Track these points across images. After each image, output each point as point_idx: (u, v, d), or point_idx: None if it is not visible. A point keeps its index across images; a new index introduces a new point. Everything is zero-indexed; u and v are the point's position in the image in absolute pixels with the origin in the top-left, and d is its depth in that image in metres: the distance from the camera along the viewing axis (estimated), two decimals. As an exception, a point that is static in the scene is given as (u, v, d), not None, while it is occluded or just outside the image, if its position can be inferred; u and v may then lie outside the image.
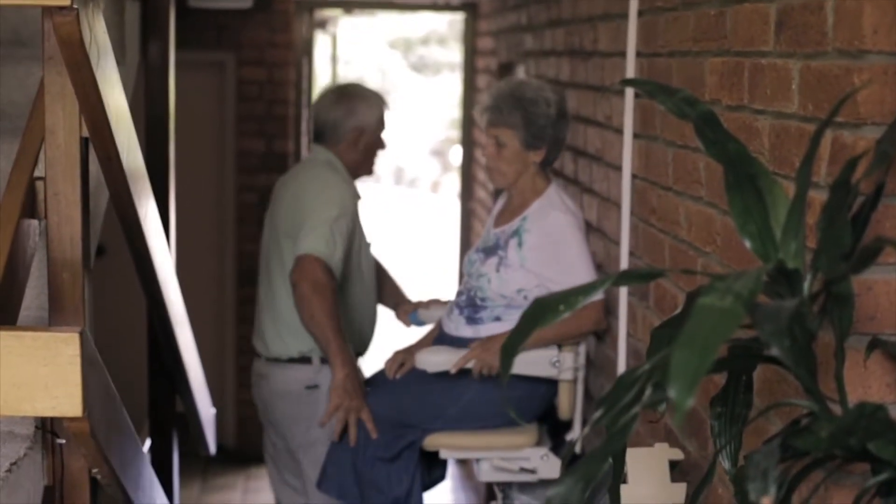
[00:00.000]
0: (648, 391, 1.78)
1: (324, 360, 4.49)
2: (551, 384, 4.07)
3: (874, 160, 1.82)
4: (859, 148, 2.01)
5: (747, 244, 1.87)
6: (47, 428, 2.82)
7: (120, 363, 4.26)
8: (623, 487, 2.73)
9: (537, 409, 4.12)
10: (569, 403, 4.08)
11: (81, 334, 2.44)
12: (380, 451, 4.09)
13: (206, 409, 5.26)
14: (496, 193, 5.43)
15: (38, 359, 2.42)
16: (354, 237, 4.51)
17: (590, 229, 4.20)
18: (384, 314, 4.86)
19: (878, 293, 2.06)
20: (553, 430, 4.25)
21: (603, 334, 4.05)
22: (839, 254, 1.77)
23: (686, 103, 1.96)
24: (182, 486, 5.52)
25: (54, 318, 2.84)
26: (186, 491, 6.72)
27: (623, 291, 3.61)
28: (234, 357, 7.98)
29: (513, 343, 1.85)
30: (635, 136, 3.53)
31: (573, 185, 4.52)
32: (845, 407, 1.86)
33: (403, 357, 4.24)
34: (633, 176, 3.56)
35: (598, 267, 4.04)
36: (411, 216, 18.23)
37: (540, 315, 1.83)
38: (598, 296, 3.82)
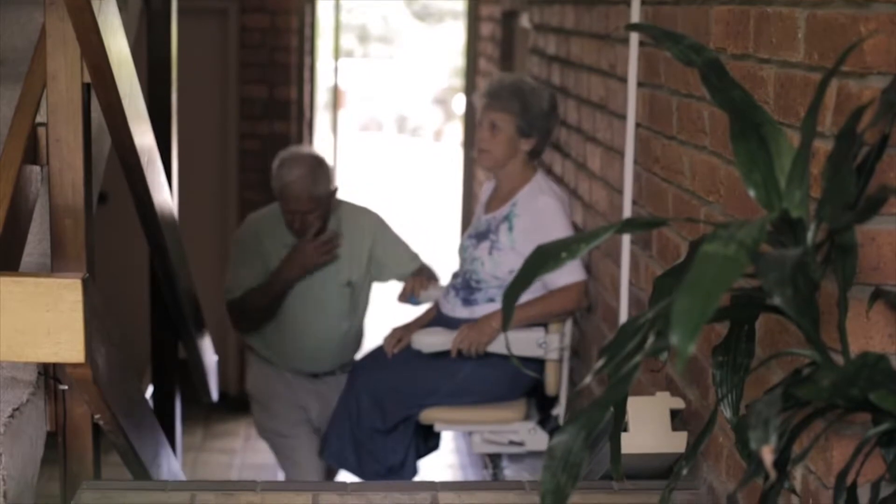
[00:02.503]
0: (651, 339, 1.78)
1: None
2: (539, 363, 4.29)
3: (879, 110, 1.82)
4: (865, 97, 2.00)
5: (751, 193, 1.86)
6: (50, 374, 2.83)
7: (122, 310, 4.27)
8: (624, 436, 2.73)
9: (526, 385, 4.38)
10: (555, 381, 4.31)
11: (84, 280, 2.45)
12: (377, 424, 4.31)
13: (209, 357, 5.27)
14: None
15: (41, 305, 2.42)
16: (260, 266, 4.90)
17: (593, 178, 4.20)
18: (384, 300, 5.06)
19: (882, 243, 2.05)
20: (540, 406, 4.49)
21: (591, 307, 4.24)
22: (843, 203, 1.76)
23: (692, 50, 1.95)
24: (184, 433, 5.54)
25: (56, 264, 2.84)
26: (189, 437, 6.75)
27: (626, 240, 3.61)
28: (237, 305, 7.98)
29: (515, 289, 1.86)
30: (639, 84, 3.52)
31: (577, 134, 4.51)
32: (847, 357, 1.86)
33: (401, 334, 4.44)
34: (637, 125, 3.55)
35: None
36: (414, 164, 18.19)
37: (542, 262, 1.83)
38: (581, 276, 4.15)
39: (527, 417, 4.37)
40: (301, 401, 5.04)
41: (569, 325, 4.28)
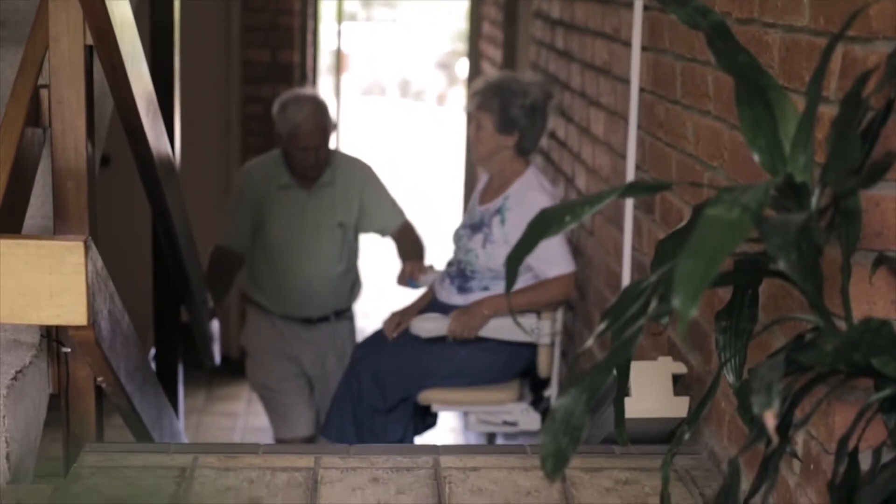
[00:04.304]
0: (653, 303, 1.77)
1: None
2: (532, 347, 4.48)
3: (885, 75, 1.81)
4: (870, 62, 1.99)
5: (756, 157, 1.85)
6: (53, 336, 2.84)
7: (125, 273, 4.27)
8: (626, 400, 2.73)
9: (519, 368, 4.58)
10: (547, 364, 4.52)
11: (86, 243, 2.44)
12: (378, 404, 4.47)
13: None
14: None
15: (43, 267, 2.42)
16: (249, 218, 5.22)
17: (596, 143, 4.19)
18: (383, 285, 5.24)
19: (886, 209, 2.05)
20: (533, 387, 4.68)
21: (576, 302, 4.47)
22: (848, 168, 1.76)
23: (698, 13, 1.93)
24: (187, 396, 5.54)
25: (59, 226, 2.84)
26: (191, 400, 6.76)
27: (629, 204, 3.60)
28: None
29: (519, 253, 1.86)
30: (643, 48, 3.51)
31: (580, 98, 4.50)
32: (850, 322, 1.86)
33: (400, 318, 4.61)
34: (641, 89, 3.54)
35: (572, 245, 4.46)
36: (417, 129, 18.16)
37: (545, 226, 1.83)
38: (571, 267, 4.32)
39: (520, 398, 4.57)
40: (293, 352, 5.28)
41: (560, 311, 4.46)
